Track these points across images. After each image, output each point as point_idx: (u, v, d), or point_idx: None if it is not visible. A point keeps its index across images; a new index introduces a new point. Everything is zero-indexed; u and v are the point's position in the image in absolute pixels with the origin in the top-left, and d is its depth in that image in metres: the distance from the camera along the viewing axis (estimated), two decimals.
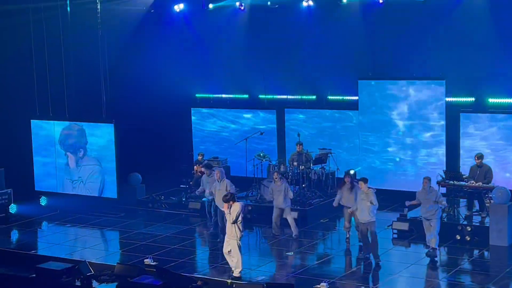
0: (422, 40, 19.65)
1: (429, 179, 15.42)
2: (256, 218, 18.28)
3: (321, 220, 18.18)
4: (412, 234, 16.71)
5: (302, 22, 21.30)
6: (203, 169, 17.97)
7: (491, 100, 19.30)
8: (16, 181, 19.90)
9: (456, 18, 19.28)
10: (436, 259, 15.06)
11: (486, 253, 15.66)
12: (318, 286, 13.24)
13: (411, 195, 19.15)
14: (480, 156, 17.08)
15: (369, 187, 15.12)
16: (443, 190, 17.38)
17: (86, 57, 20.68)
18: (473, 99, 19.62)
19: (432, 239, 15.12)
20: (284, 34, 21.64)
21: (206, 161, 19.21)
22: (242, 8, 21.83)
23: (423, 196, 15.34)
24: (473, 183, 16.86)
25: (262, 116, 22.10)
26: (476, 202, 17.33)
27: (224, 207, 14.34)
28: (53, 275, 14.66)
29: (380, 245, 15.72)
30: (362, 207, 15.03)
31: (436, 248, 15.13)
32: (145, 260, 15.06)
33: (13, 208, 19.61)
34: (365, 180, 15.13)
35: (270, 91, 22.45)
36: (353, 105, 20.77)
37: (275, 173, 17.16)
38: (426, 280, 14.20)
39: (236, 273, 14.23)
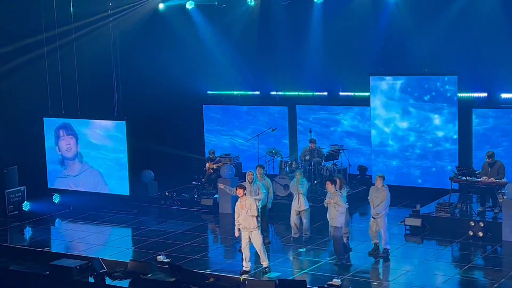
0: (434, 35, 19.56)
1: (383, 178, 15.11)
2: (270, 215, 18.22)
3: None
4: (425, 230, 16.68)
5: (314, 17, 21.27)
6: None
7: (503, 95, 19.22)
8: (29, 179, 20.01)
9: (468, 13, 19.19)
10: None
11: (499, 248, 15.60)
12: (331, 282, 13.25)
13: (423, 191, 19.32)
14: (491, 155, 16.93)
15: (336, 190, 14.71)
16: (456, 185, 17.35)
17: (98, 54, 20.73)
18: (485, 94, 19.54)
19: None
20: (295, 30, 21.63)
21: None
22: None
23: (374, 193, 15.11)
24: (485, 178, 16.79)
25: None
26: (489, 198, 17.26)
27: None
28: (66, 272, 14.76)
29: (393, 241, 15.68)
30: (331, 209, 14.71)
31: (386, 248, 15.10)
32: (157, 257, 15.14)
33: (26, 206, 19.71)
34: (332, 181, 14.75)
35: (281, 88, 22.44)
36: (365, 101, 20.72)
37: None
38: (439, 276, 14.15)
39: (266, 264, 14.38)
